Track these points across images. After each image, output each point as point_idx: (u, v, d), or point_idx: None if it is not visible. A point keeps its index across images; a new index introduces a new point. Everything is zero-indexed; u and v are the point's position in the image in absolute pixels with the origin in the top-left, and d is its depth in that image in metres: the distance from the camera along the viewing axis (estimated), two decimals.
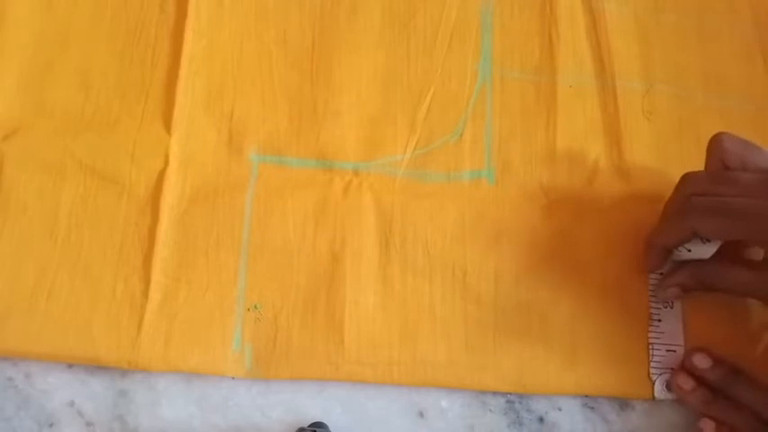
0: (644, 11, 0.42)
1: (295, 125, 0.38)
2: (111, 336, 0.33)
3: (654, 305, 0.37)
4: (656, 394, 0.36)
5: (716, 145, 0.34)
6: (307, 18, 0.39)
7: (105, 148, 0.36)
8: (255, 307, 0.35)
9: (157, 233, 0.35)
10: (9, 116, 0.36)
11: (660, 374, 0.36)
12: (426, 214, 0.37)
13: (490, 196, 0.38)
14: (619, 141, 0.39)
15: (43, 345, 0.33)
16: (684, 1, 0.43)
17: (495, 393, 0.35)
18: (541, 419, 0.36)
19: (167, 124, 0.37)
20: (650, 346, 0.36)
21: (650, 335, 0.36)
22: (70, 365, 0.34)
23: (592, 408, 0.36)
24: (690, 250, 0.35)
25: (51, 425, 0.33)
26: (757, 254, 0.35)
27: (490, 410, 0.35)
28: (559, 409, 0.36)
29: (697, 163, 0.35)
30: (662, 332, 0.36)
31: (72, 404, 0.33)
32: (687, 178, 0.34)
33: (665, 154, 0.39)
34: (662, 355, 0.36)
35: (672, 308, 0.37)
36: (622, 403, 0.36)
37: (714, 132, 0.35)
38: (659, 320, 0.36)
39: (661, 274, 0.37)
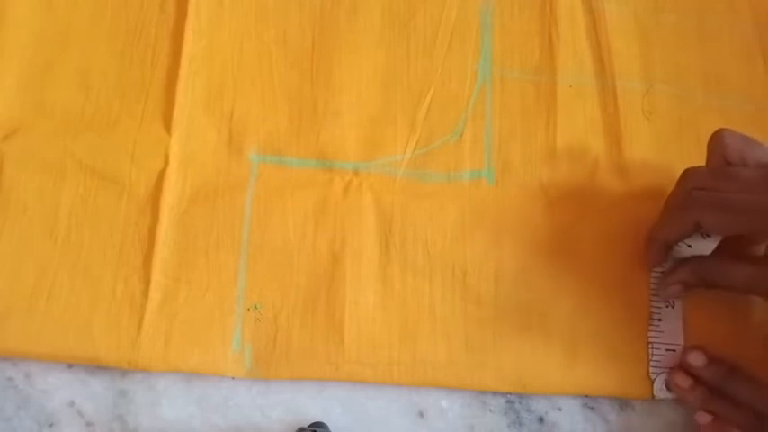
0: (644, 11, 0.42)
1: (295, 125, 0.38)
2: (111, 336, 0.33)
3: (655, 304, 0.37)
4: (656, 393, 0.36)
5: (717, 141, 0.34)
6: (307, 18, 0.39)
7: (105, 148, 0.36)
8: (255, 307, 0.35)
9: (157, 233, 0.35)
10: (9, 116, 0.36)
11: (660, 374, 0.36)
12: (426, 214, 0.37)
13: (490, 196, 0.38)
14: (619, 141, 0.39)
15: (43, 345, 0.33)
16: (684, 1, 0.43)
17: (495, 393, 0.36)
18: (541, 419, 0.36)
19: (167, 124, 0.37)
20: (650, 346, 0.36)
21: (650, 334, 0.36)
22: (70, 365, 0.34)
23: (592, 408, 0.36)
24: (690, 246, 0.35)
25: (51, 425, 0.33)
26: (758, 250, 0.35)
27: (490, 410, 0.35)
28: (559, 409, 0.36)
29: (697, 163, 0.35)
30: (662, 331, 0.36)
31: (72, 404, 0.33)
32: (688, 173, 0.34)
33: (665, 154, 0.39)
34: (661, 355, 0.36)
35: (673, 307, 0.37)
36: (622, 403, 0.36)
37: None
38: (659, 320, 0.36)
39: (662, 272, 0.37)
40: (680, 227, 0.34)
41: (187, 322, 0.34)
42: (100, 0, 0.38)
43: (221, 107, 0.37)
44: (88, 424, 0.33)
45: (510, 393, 0.36)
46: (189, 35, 0.38)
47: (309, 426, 0.33)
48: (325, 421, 0.34)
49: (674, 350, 0.36)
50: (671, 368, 0.36)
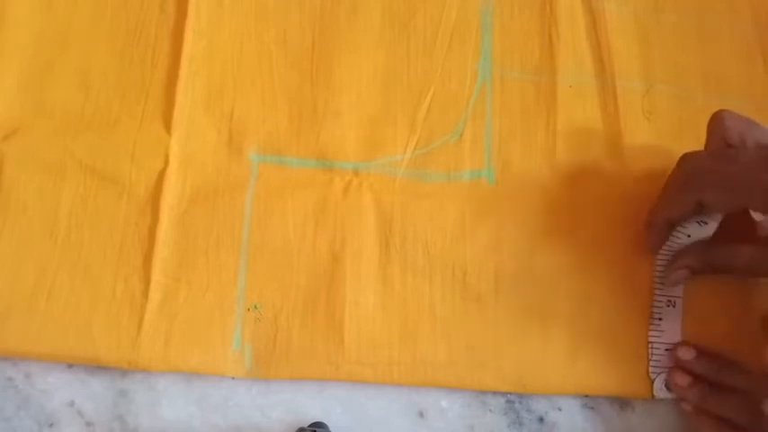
0: (644, 11, 0.42)
1: (295, 125, 0.38)
2: (111, 336, 0.33)
3: (656, 304, 0.37)
4: (656, 393, 0.36)
5: (717, 122, 0.34)
6: (307, 18, 0.39)
7: (105, 148, 0.36)
8: (255, 307, 0.35)
9: (157, 233, 0.35)
10: (9, 116, 0.36)
11: (659, 374, 0.36)
12: (426, 214, 0.37)
13: (490, 196, 0.38)
14: (619, 141, 0.39)
15: (43, 345, 0.33)
16: (684, 1, 0.43)
17: (495, 393, 0.36)
18: (541, 419, 0.36)
19: (167, 124, 0.37)
20: (650, 345, 0.36)
21: (650, 334, 0.36)
22: (70, 365, 0.34)
23: (592, 408, 0.36)
24: (689, 236, 0.35)
25: (51, 425, 0.33)
26: (761, 231, 0.35)
27: (490, 410, 0.35)
28: (559, 409, 0.36)
29: None
30: (662, 331, 0.36)
31: (72, 404, 0.33)
32: (687, 157, 0.35)
33: (665, 154, 0.39)
34: (661, 354, 0.36)
35: (674, 306, 0.37)
36: (622, 403, 0.36)
37: None
38: (660, 319, 0.36)
39: (666, 262, 0.37)
40: (681, 206, 0.34)
41: (187, 322, 0.34)
42: (100, 0, 0.38)
43: (221, 107, 0.37)
44: (88, 424, 0.33)
45: (510, 393, 0.36)
46: (189, 35, 0.38)
47: (309, 426, 0.33)
48: (325, 421, 0.34)
49: None
50: (670, 368, 0.36)
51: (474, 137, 0.38)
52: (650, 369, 0.36)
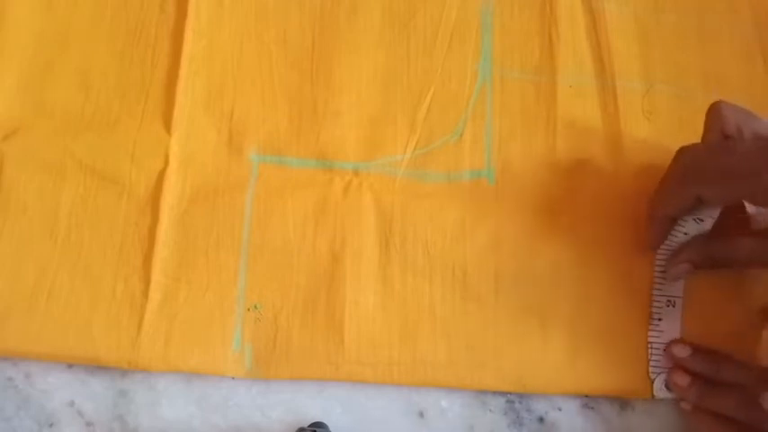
0: (644, 11, 0.42)
1: (295, 125, 0.38)
2: (111, 336, 0.33)
3: (655, 304, 0.37)
4: (656, 393, 0.36)
5: (714, 113, 0.34)
6: (307, 18, 0.39)
7: (105, 148, 0.36)
8: (255, 307, 0.35)
9: (157, 233, 0.35)
10: (9, 116, 0.36)
11: (659, 374, 0.36)
12: (426, 214, 0.37)
13: (490, 196, 0.38)
14: (619, 141, 0.39)
15: (43, 345, 0.33)
16: (684, 1, 0.43)
17: (495, 393, 0.36)
18: (541, 419, 0.36)
19: (167, 124, 0.37)
20: (649, 346, 0.36)
21: (650, 334, 0.36)
22: (70, 365, 0.34)
23: (592, 408, 0.36)
24: (686, 233, 0.35)
25: (51, 425, 0.33)
26: (759, 224, 0.35)
27: (490, 410, 0.35)
28: (559, 409, 0.36)
29: None
30: (662, 331, 0.36)
31: (72, 404, 0.33)
32: (684, 150, 0.34)
33: (665, 154, 0.39)
34: (661, 354, 0.36)
35: (674, 306, 0.37)
36: (622, 403, 0.36)
37: None
38: (660, 319, 0.36)
39: (666, 259, 0.37)
40: (680, 200, 0.34)
41: (187, 322, 0.34)
42: (100, 0, 0.38)
43: (221, 107, 0.37)
44: (88, 424, 0.33)
45: (510, 393, 0.36)
46: (189, 35, 0.38)
47: (309, 426, 0.33)
48: (325, 421, 0.34)
49: None
50: (670, 368, 0.36)
51: (474, 137, 0.38)
52: (650, 369, 0.36)
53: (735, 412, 0.33)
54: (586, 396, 0.36)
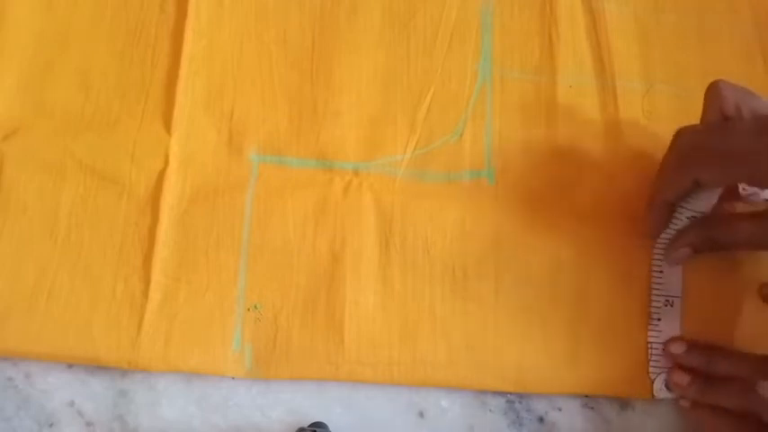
0: (644, 11, 0.42)
1: (295, 125, 0.38)
2: (111, 336, 0.33)
3: (655, 304, 0.37)
4: (656, 393, 0.36)
5: (713, 92, 0.33)
6: (307, 18, 0.39)
7: (105, 148, 0.36)
8: (255, 307, 0.35)
9: (157, 233, 0.35)
10: (9, 116, 0.36)
11: (659, 374, 0.36)
12: (426, 214, 0.37)
13: (490, 196, 0.38)
14: (619, 141, 0.39)
15: (43, 345, 0.33)
16: (684, 1, 0.43)
17: (495, 393, 0.36)
18: (541, 419, 0.36)
19: (167, 124, 0.37)
20: (649, 346, 0.36)
21: (649, 334, 0.36)
22: (70, 365, 0.34)
23: (592, 408, 0.36)
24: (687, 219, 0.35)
25: (51, 425, 0.33)
26: (759, 206, 0.35)
27: (490, 410, 0.35)
28: (559, 409, 0.36)
29: None
30: (661, 331, 0.36)
31: (72, 404, 0.33)
32: (682, 132, 0.34)
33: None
34: (660, 354, 0.36)
35: (672, 306, 0.37)
36: (622, 403, 0.36)
37: None
38: (658, 319, 0.36)
39: (665, 245, 0.37)
40: (679, 185, 0.34)
41: (187, 322, 0.34)
42: (100, 0, 0.38)
43: (221, 107, 0.37)
44: (88, 424, 0.33)
45: (510, 393, 0.36)
46: (189, 35, 0.38)
47: (309, 426, 0.33)
48: (325, 421, 0.34)
49: None
50: (670, 367, 0.36)
51: (474, 137, 0.38)
52: (650, 369, 0.36)
53: (734, 404, 0.33)
54: (586, 396, 0.36)
